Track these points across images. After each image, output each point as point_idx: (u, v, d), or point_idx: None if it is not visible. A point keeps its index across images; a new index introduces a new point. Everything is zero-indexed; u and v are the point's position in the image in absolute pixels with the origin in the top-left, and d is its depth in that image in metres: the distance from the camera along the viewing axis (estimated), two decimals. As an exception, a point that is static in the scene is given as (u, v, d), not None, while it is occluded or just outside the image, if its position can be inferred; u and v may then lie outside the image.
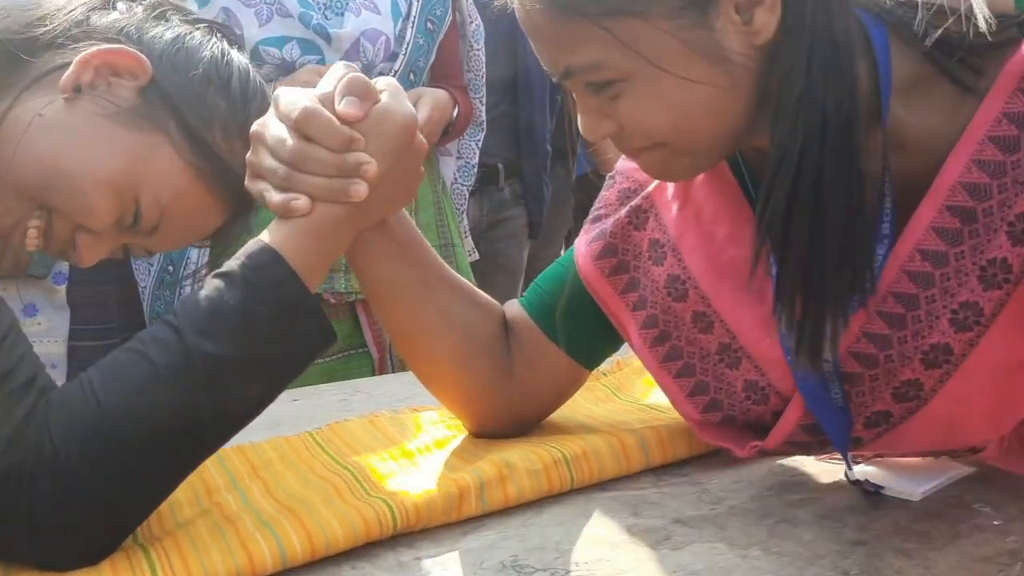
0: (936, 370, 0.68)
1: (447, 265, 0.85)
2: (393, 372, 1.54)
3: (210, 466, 0.78)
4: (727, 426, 0.78)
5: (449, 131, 1.59)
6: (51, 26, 0.76)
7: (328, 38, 1.41)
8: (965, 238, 0.66)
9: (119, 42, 0.77)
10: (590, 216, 0.86)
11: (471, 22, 1.69)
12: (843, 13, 0.65)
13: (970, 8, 0.65)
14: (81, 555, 0.62)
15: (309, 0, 1.42)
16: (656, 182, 0.80)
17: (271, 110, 0.71)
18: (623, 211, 0.82)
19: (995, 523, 0.72)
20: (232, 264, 0.67)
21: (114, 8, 0.80)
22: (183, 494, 0.72)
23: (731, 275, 0.75)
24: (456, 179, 1.76)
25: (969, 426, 0.71)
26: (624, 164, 0.84)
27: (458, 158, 1.76)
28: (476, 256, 1.87)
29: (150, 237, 0.79)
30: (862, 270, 0.65)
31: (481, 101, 1.75)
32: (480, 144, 1.79)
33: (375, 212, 0.74)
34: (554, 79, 0.71)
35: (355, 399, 1.07)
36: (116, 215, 0.76)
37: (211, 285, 0.67)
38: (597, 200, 0.86)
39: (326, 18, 1.43)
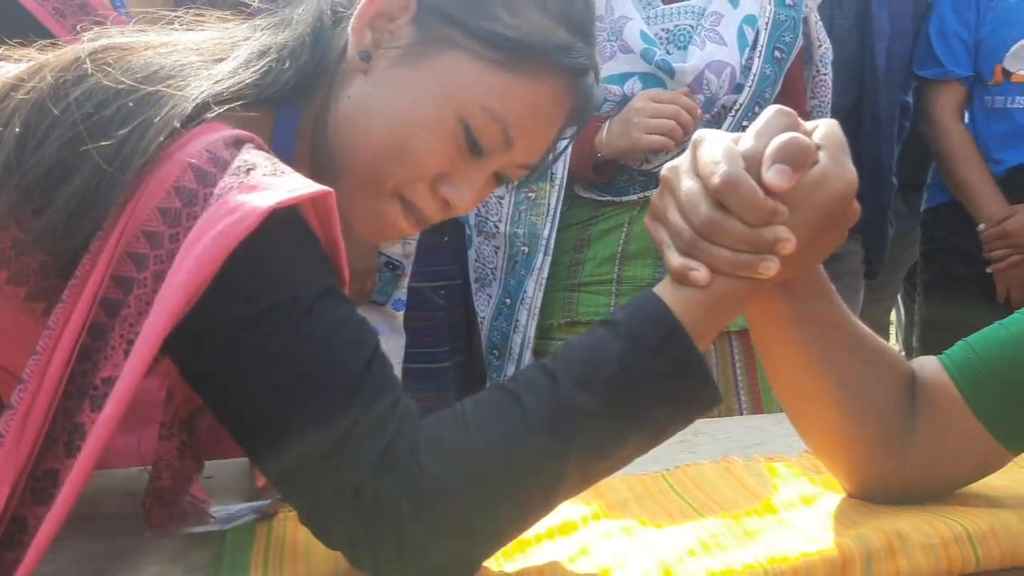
0: None
1: (853, 318, 0.75)
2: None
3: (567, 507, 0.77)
4: None
5: (792, 163, 1.50)
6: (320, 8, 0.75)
7: (671, 73, 1.39)
8: None
9: None
10: None
11: (820, 45, 1.59)
12: None
13: None
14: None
15: (651, 35, 1.41)
16: None
17: (687, 155, 0.65)
18: None
19: None
20: (618, 314, 0.64)
21: None
22: (544, 526, 0.71)
23: None
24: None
25: None
26: None
27: None
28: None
29: (510, 152, 0.74)
30: None
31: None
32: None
33: (781, 276, 0.64)
34: None
35: (697, 441, 1.01)
36: (449, 149, 0.73)
37: (594, 333, 0.64)
38: None
39: (668, 52, 1.41)
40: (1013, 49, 1.82)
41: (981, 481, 0.78)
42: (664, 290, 0.64)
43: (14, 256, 0.65)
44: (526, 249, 1.54)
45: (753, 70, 1.42)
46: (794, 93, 1.54)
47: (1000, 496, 0.75)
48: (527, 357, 1.53)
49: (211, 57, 0.73)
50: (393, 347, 1.72)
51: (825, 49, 1.59)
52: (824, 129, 0.65)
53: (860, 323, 0.75)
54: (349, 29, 0.75)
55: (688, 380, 0.62)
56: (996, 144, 1.85)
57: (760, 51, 1.43)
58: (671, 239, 0.64)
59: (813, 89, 1.61)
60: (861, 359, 0.74)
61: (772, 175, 0.61)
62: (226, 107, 0.69)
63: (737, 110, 1.43)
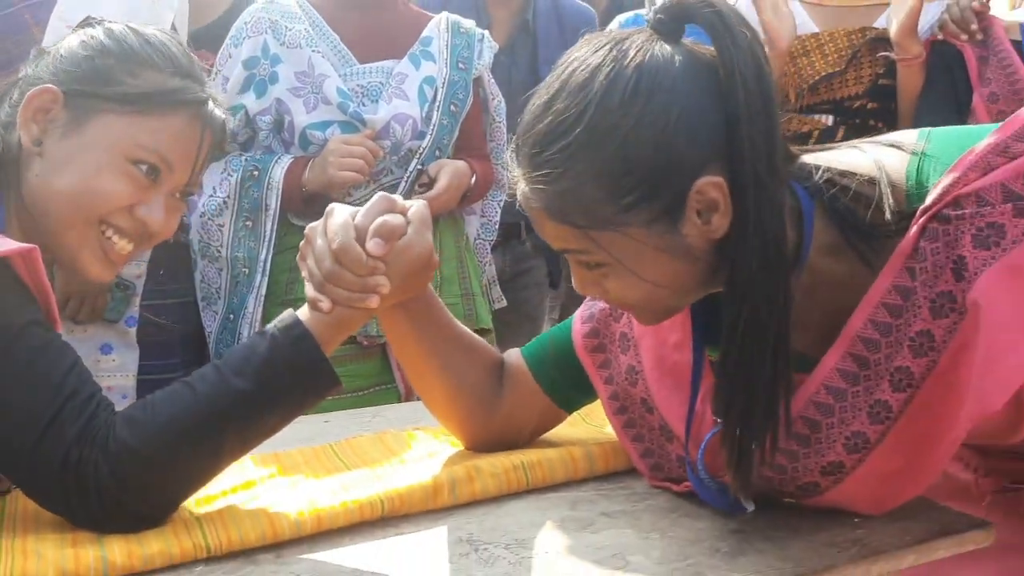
0: (830, 477, 0.87)
1: (455, 322, 1.05)
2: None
3: (251, 466, 1.02)
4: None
5: (468, 195, 1.83)
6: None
7: (363, 122, 1.67)
8: (860, 380, 0.83)
9: (41, 82, 0.97)
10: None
11: (493, 99, 1.93)
12: (777, 208, 0.79)
13: (881, 199, 0.81)
14: (137, 523, 0.85)
15: (347, 91, 1.69)
16: None
17: (323, 220, 0.90)
18: None
19: (855, 521, 0.91)
20: (268, 326, 0.90)
21: (40, 57, 1.02)
22: (230, 484, 0.95)
23: (672, 375, 0.95)
24: (479, 235, 2.00)
25: (854, 508, 0.90)
26: None
27: (481, 216, 2.00)
28: (504, 303, 2.10)
29: (174, 174, 0.99)
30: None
31: (504, 167, 1.99)
32: (502, 204, 2.02)
33: (387, 303, 0.93)
34: None
35: (374, 422, 1.29)
36: (132, 184, 0.97)
37: (251, 338, 0.91)
38: None
39: (363, 105, 1.70)
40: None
41: (553, 431, 1.12)
42: (302, 311, 0.91)
43: None
44: (246, 270, 1.76)
45: (433, 121, 1.74)
46: (473, 137, 1.88)
47: (555, 440, 1.09)
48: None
49: None
50: (127, 360, 1.87)
51: (498, 102, 1.93)
52: (414, 209, 0.94)
53: (460, 325, 1.07)
54: (18, 127, 0.97)
55: (314, 370, 0.90)
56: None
57: (438, 106, 1.75)
58: (309, 278, 0.91)
59: (491, 134, 1.95)
60: (459, 350, 1.05)
61: (371, 245, 0.89)
62: None
63: (421, 153, 1.74)
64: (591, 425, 1.18)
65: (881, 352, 0.82)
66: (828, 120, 1.96)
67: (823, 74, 1.94)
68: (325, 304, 0.89)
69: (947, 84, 1.86)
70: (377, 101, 1.71)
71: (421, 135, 1.73)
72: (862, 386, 0.84)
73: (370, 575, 0.83)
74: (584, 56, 0.82)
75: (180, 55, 1.03)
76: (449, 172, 1.73)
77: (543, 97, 0.83)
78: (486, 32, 1.88)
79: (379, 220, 0.90)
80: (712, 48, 0.80)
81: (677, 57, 0.80)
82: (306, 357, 0.89)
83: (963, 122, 1.80)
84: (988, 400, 0.78)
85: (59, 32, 1.68)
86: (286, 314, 0.91)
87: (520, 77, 2.18)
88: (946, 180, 0.79)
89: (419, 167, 1.73)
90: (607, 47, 0.82)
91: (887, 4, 1.92)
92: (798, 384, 0.87)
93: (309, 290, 0.91)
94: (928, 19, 1.91)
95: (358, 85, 1.71)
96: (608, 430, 1.14)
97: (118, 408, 0.88)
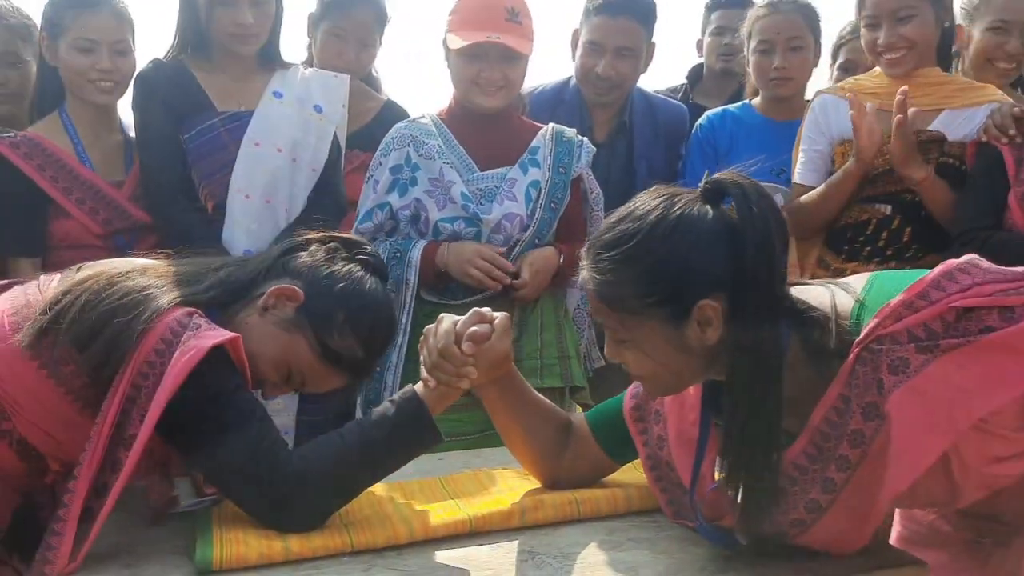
0: (796, 528, 1.17)
1: (532, 392, 1.43)
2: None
3: (381, 492, 1.42)
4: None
5: (560, 274, 2.17)
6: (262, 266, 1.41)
7: (480, 220, 2.08)
8: (817, 461, 1.14)
9: (292, 278, 1.36)
10: None
11: (592, 192, 2.29)
12: (774, 325, 1.09)
13: (831, 333, 1.13)
14: (305, 525, 1.25)
15: (468, 193, 2.10)
16: None
17: (435, 324, 1.32)
18: None
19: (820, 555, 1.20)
20: (396, 396, 1.32)
21: (302, 251, 1.42)
22: (367, 502, 1.35)
23: (688, 445, 1.28)
24: (579, 306, 2.36)
25: (817, 549, 1.20)
26: None
27: (580, 290, 2.35)
28: (602, 363, 2.44)
29: (304, 387, 1.40)
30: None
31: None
32: (599, 279, 2.37)
33: (477, 383, 1.33)
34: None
35: (475, 461, 1.67)
36: (277, 378, 1.37)
37: (383, 405, 1.31)
38: None
39: (480, 204, 2.11)
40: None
41: (609, 477, 1.46)
42: (418, 387, 1.32)
43: (69, 379, 1.27)
44: (389, 332, 2.18)
45: (536, 217, 2.12)
46: (574, 226, 2.24)
47: (608, 482, 1.43)
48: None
49: (181, 278, 1.36)
50: (289, 403, 2.33)
51: (596, 195, 2.29)
52: (499, 320, 1.33)
53: (537, 395, 1.44)
54: (267, 290, 1.37)
55: (425, 429, 1.30)
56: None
57: (541, 204, 2.13)
58: (423, 362, 1.32)
59: (591, 222, 2.30)
60: (535, 414, 1.42)
61: (465, 347, 1.29)
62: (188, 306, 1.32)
63: (523, 243, 2.12)
64: (639, 472, 1.51)
65: (831, 442, 1.13)
66: (887, 209, 2.23)
67: (880, 170, 2.21)
68: (432, 383, 1.30)
69: (987, 182, 2.09)
70: (492, 202, 2.11)
71: (526, 228, 2.12)
72: (818, 465, 1.14)
73: (459, 570, 1.20)
74: (647, 199, 1.18)
75: (380, 332, 1.41)
76: (528, 264, 2.09)
77: (614, 218, 1.19)
78: (585, 139, 2.25)
79: (471, 328, 1.30)
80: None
81: (710, 215, 1.14)
82: (420, 419, 1.29)
83: (1001, 218, 2.03)
84: (898, 483, 1.08)
85: (249, 148, 2.18)
86: (407, 388, 1.32)
87: (618, 170, 2.53)
88: (872, 323, 1.10)
89: (524, 251, 2.12)
90: (665, 197, 1.17)
91: (941, 110, 2.18)
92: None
93: (423, 373, 1.31)
94: (976, 123, 2.14)
95: (478, 189, 2.13)
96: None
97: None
